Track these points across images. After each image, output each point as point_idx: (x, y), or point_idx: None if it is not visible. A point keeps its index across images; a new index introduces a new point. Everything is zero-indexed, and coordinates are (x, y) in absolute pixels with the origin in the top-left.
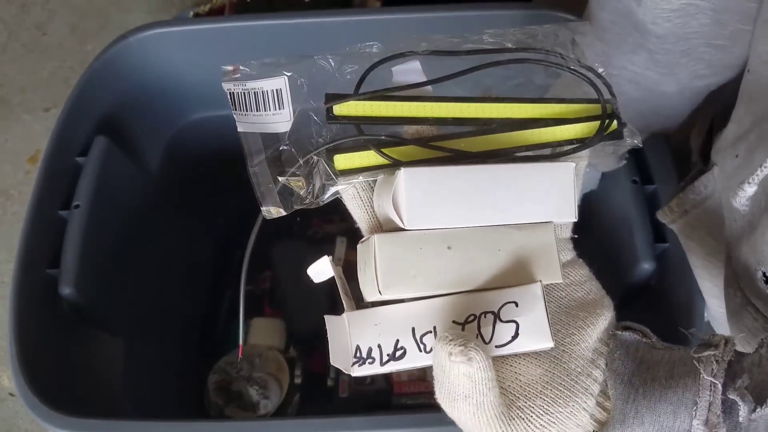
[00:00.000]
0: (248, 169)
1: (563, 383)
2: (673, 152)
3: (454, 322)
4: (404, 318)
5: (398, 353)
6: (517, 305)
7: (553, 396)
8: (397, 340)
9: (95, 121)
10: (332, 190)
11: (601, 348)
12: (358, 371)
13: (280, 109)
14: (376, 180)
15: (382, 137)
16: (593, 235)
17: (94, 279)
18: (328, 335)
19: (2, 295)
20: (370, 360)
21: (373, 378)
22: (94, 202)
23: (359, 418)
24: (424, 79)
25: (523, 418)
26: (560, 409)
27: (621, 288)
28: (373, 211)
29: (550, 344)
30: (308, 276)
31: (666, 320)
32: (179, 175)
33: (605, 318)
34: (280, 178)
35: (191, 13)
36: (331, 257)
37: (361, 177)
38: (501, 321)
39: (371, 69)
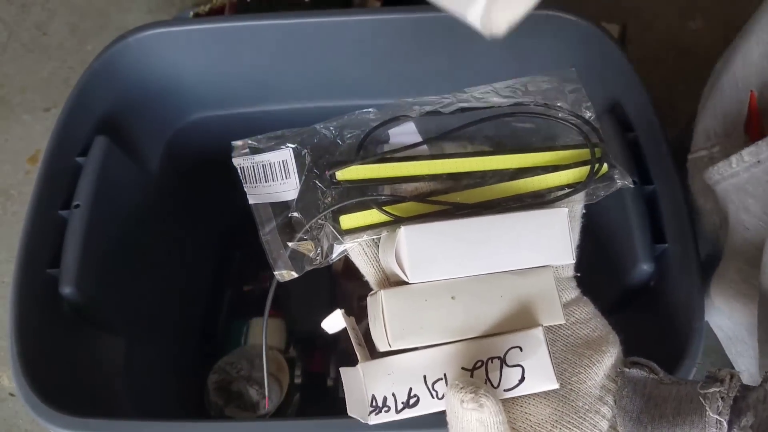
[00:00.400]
0: (260, 237)
1: (572, 421)
2: (673, 152)
3: (463, 368)
4: (416, 366)
5: (412, 401)
6: (521, 350)
7: None
8: (411, 389)
9: (95, 121)
10: (339, 249)
11: (608, 384)
12: (375, 420)
13: (287, 178)
14: (380, 237)
15: (383, 197)
16: (592, 235)
17: (94, 279)
18: (344, 386)
19: (2, 295)
20: (385, 408)
21: None
22: (95, 202)
23: None
24: (419, 138)
25: None
26: None
27: (620, 289)
28: (379, 266)
29: (555, 385)
30: (309, 276)
31: (665, 321)
32: (179, 175)
33: (611, 355)
34: (290, 244)
35: (191, 13)
36: (342, 310)
37: (365, 235)
38: (507, 366)
39: (368, 134)
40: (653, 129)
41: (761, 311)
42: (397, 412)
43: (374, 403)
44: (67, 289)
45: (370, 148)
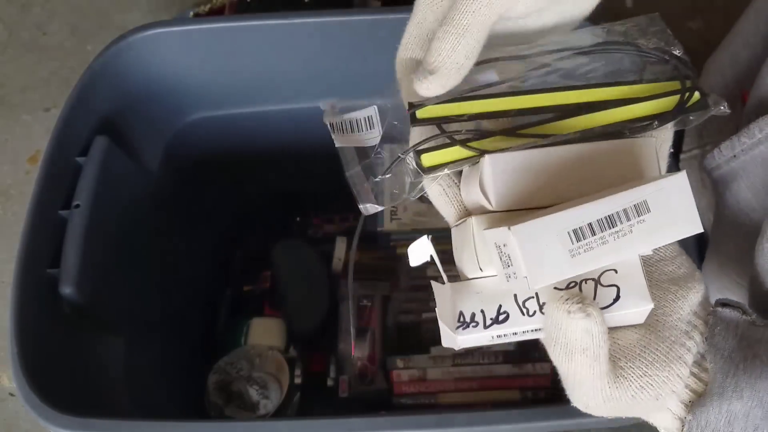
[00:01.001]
0: (346, 174)
1: (659, 349)
2: (674, 152)
3: (555, 288)
4: (506, 286)
5: (501, 317)
6: (616, 272)
7: (650, 359)
8: (500, 306)
9: (95, 121)
10: (420, 185)
11: (694, 320)
12: (462, 335)
13: (371, 129)
14: (459, 177)
15: (463, 132)
16: None
17: (94, 279)
18: (436, 302)
19: (2, 295)
20: (473, 324)
21: (373, 378)
22: (95, 202)
23: (360, 418)
24: (496, 78)
25: (625, 377)
26: (657, 372)
27: None
28: (460, 205)
29: (651, 305)
30: (309, 275)
31: None
32: (180, 175)
33: (697, 291)
34: (376, 179)
35: (191, 13)
36: (431, 236)
37: (446, 170)
38: (602, 285)
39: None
40: None
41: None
42: (485, 327)
43: (461, 319)
44: (67, 289)
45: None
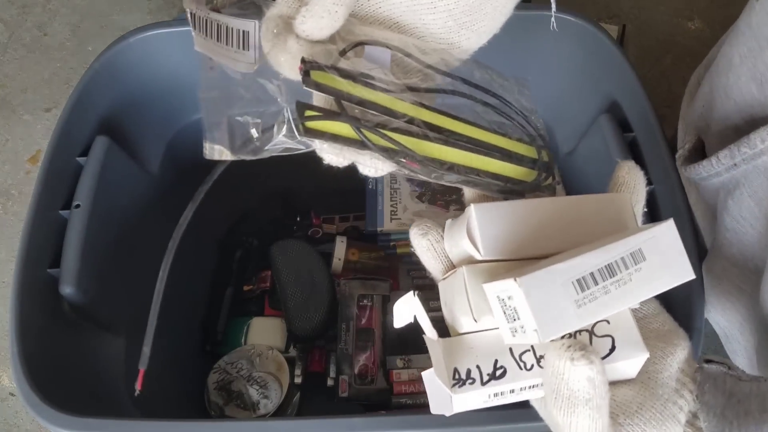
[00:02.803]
0: (199, 96)
1: (654, 407)
2: (672, 151)
3: (551, 341)
4: (500, 340)
5: (498, 372)
6: (608, 322)
7: (647, 417)
8: (496, 360)
9: (96, 122)
10: (288, 144)
11: (683, 378)
12: (459, 393)
13: (244, 50)
14: (442, 236)
15: (360, 115)
16: None
17: (94, 278)
18: (431, 356)
19: (3, 295)
20: (470, 381)
21: (373, 378)
22: (95, 202)
23: (360, 418)
24: (388, 69)
25: None
26: (655, 431)
27: None
28: (447, 260)
29: (646, 354)
30: (308, 275)
31: None
32: (180, 175)
33: (683, 348)
34: (238, 118)
35: None
36: (418, 292)
37: (322, 141)
38: (596, 336)
39: (356, 45)
40: (652, 129)
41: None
42: (483, 384)
43: (457, 376)
44: (67, 289)
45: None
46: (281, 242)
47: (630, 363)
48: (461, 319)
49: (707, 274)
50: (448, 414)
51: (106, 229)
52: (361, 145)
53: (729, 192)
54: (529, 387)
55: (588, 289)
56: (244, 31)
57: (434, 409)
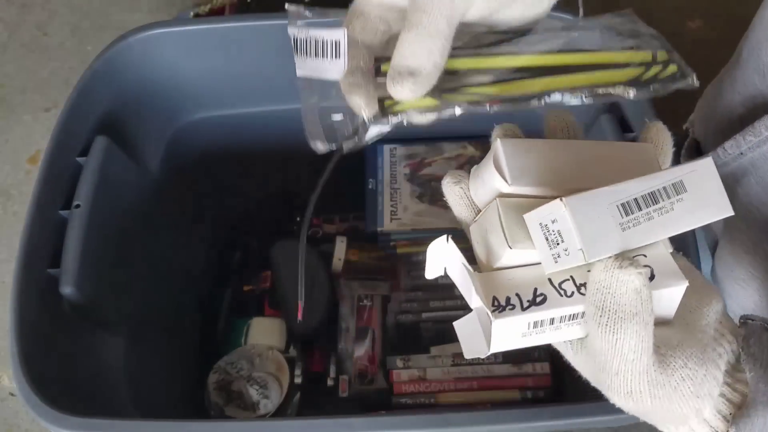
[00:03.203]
0: (302, 108)
1: (695, 347)
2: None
3: (589, 271)
4: (538, 273)
5: (539, 299)
6: (645, 256)
7: (689, 353)
8: (536, 289)
9: (95, 121)
10: (380, 129)
11: (721, 329)
12: (500, 317)
13: (336, 58)
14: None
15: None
16: None
17: (94, 278)
18: (465, 291)
19: (3, 295)
20: (510, 306)
21: (373, 378)
22: (95, 202)
23: (360, 418)
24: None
25: (668, 364)
26: (696, 367)
27: None
28: (476, 206)
29: (686, 282)
30: (309, 276)
31: None
32: (179, 175)
33: (718, 301)
34: (334, 116)
35: (191, 14)
36: (450, 235)
37: (408, 113)
38: None
39: None
40: None
41: None
42: (523, 309)
43: (496, 303)
44: (67, 289)
45: None
46: (281, 242)
47: (670, 293)
48: (497, 252)
49: (719, 264)
50: (484, 355)
51: (105, 229)
52: (442, 105)
53: (737, 180)
54: (569, 318)
55: (632, 213)
56: (335, 41)
57: (468, 353)
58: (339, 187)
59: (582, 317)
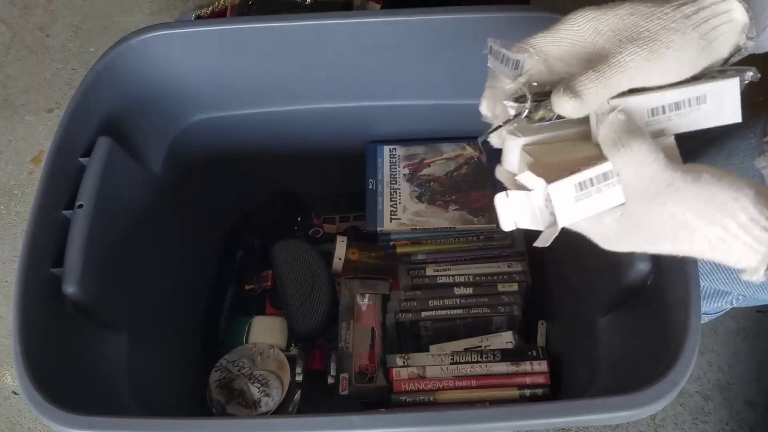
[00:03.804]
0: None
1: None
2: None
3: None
4: (575, 157)
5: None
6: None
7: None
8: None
9: (98, 122)
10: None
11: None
12: (553, 184)
13: (514, 69)
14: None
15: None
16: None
17: (97, 278)
18: (497, 205)
19: (6, 295)
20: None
21: (373, 376)
22: (97, 202)
23: (360, 415)
24: None
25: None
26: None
27: (617, 287)
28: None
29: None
30: (309, 274)
31: (661, 319)
32: (181, 175)
33: (751, 185)
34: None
35: (194, 16)
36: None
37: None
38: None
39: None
40: None
41: None
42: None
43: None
44: (70, 288)
45: None
46: (282, 242)
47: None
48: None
49: None
50: (555, 229)
51: (108, 228)
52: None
53: None
54: (603, 178)
55: (657, 116)
56: (516, 61)
57: (506, 225)
58: (339, 187)
59: (613, 176)
